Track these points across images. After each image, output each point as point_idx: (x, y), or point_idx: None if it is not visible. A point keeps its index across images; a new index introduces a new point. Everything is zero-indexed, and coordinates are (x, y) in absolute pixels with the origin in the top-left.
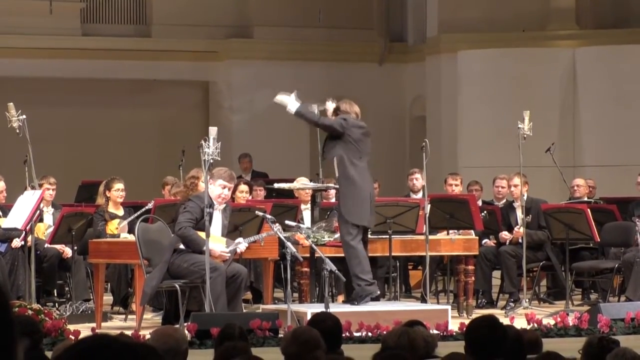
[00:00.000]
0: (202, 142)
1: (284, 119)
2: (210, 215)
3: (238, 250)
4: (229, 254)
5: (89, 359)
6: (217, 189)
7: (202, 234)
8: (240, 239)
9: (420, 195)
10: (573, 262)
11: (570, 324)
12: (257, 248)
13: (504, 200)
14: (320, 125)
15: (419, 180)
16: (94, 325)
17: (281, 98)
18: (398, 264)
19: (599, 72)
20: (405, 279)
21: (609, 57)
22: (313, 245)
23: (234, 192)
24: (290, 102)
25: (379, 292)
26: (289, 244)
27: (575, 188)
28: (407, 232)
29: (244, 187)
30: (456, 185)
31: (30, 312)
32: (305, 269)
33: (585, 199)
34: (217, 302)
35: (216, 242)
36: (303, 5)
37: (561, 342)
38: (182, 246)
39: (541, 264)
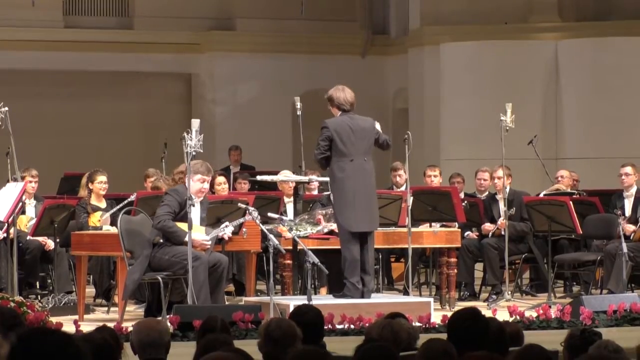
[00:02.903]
0: (185, 134)
1: (267, 111)
2: (191, 207)
3: (224, 235)
4: (210, 242)
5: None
6: (196, 184)
7: (181, 225)
8: (226, 222)
9: (403, 188)
10: (555, 255)
11: (553, 316)
12: (240, 240)
13: (487, 193)
14: (321, 163)
15: (402, 177)
16: (76, 317)
17: None
18: (380, 256)
19: (581, 65)
20: (387, 272)
21: (592, 50)
22: (296, 238)
23: (212, 185)
24: None
25: (359, 299)
26: (271, 236)
27: (560, 179)
28: (390, 225)
29: (221, 179)
30: (435, 176)
31: (12, 304)
32: (288, 262)
33: (569, 190)
34: (200, 291)
35: (196, 231)
36: None
37: (543, 334)
38: (161, 240)
39: (523, 256)
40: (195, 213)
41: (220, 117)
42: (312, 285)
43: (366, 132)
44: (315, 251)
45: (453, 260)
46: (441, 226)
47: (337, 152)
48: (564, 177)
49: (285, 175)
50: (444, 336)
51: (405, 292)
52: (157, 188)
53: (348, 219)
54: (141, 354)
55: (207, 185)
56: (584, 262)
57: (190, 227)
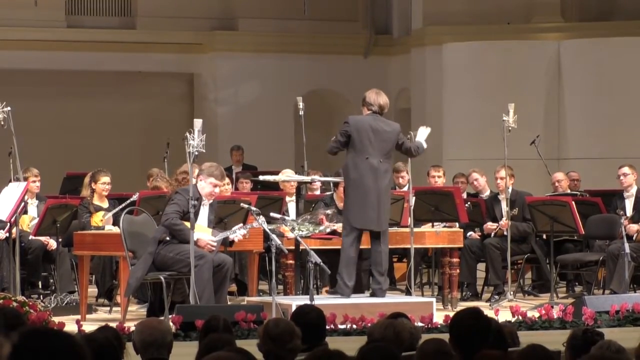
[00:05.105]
0: (187, 134)
1: (269, 111)
2: (196, 208)
3: (235, 238)
4: (216, 244)
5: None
6: (208, 186)
7: (189, 224)
8: (240, 224)
9: (405, 188)
10: (558, 255)
11: (555, 316)
12: (242, 240)
13: (489, 193)
14: (331, 151)
15: (404, 178)
16: (78, 317)
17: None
18: None
19: (583, 65)
20: (389, 272)
21: (594, 50)
22: (298, 238)
23: None
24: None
25: (349, 297)
26: (273, 236)
27: (557, 184)
28: (392, 225)
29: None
30: (439, 177)
31: (14, 304)
32: (290, 262)
33: (568, 191)
34: (204, 290)
35: (202, 232)
36: None
37: (546, 334)
38: (168, 238)
39: (526, 256)
40: (202, 214)
41: (222, 117)
42: (314, 285)
43: (388, 134)
44: (317, 251)
45: (455, 260)
46: (443, 226)
47: (354, 149)
48: (560, 181)
49: (288, 175)
50: (446, 336)
51: (408, 292)
52: (157, 188)
53: (354, 214)
54: (143, 353)
55: (218, 190)
56: (587, 262)
57: (192, 227)
